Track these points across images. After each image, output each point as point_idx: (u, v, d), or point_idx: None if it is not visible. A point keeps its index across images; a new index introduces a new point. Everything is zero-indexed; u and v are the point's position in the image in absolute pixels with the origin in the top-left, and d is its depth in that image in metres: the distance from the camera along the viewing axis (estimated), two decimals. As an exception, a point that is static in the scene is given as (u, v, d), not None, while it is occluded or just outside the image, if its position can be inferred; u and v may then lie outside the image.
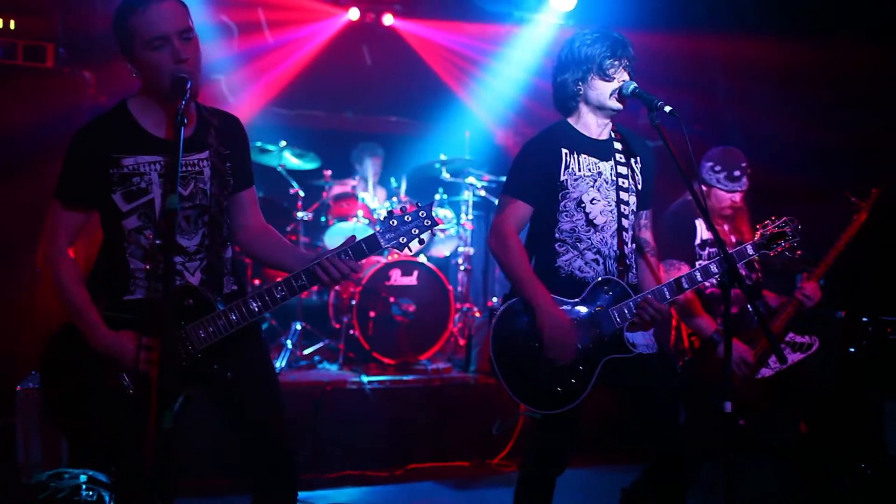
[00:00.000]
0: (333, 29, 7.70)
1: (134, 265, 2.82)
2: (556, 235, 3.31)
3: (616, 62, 3.27)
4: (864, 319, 5.27)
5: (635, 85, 3.27)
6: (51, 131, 5.96)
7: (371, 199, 7.12)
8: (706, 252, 4.17)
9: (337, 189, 7.23)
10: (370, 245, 2.88)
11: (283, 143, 6.88)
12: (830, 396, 4.38)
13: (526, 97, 8.00)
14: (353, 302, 6.35)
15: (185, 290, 2.78)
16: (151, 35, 2.64)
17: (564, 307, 3.21)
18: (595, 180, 3.32)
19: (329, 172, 7.21)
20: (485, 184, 7.59)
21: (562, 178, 3.29)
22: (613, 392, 3.37)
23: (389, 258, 6.61)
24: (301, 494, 4.91)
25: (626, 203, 3.34)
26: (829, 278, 5.36)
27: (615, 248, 3.32)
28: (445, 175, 7.33)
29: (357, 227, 6.81)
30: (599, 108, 3.34)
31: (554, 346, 3.12)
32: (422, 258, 6.76)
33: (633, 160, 3.43)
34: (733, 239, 4.27)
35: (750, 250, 3.46)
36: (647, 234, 3.50)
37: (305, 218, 6.84)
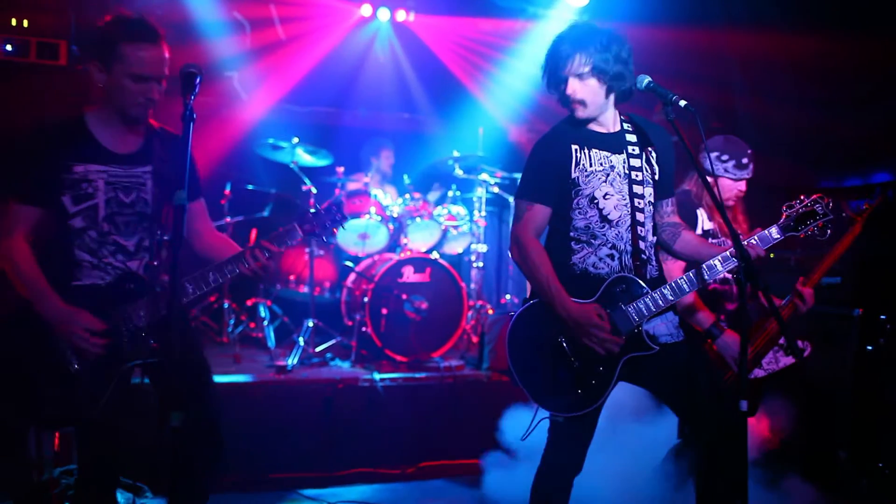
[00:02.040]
0: (346, 25, 7.68)
1: (80, 256, 3.10)
2: (571, 234, 3.26)
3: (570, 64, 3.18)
4: (882, 317, 5.21)
5: (650, 79, 3.22)
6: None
7: (384, 195, 7.10)
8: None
9: (349, 186, 7.21)
10: (289, 234, 3.20)
11: (296, 139, 6.86)
12: (840, 396, 4.35)
13: (539, 93, 7.94)
14: (366, 299, 6.33)
15: (127, 275, 3.14)
16: (138, 71, 3.01)
17: (588, 304, 3.17)
18: (608, 174, 3.26)
19: (341, 169, 7.18)
20: (498, 180, 7.55)
21: (573, 175, 3.24)
22: (649, 389, 3.34)
23: (402, 255, 6.59)
24: (312, 492, 4.95)
25: (641, 196, 3.27)
26: (846, 276, 5.33)
27: (630, 242, 3.25)
28: (458, 172, 7.30)
29: (370, 223, 6.79)
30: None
31: (587, 331, 3.09)
32: (434, 255, 6.73)
33: (646, 150, 3.34)
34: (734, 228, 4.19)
35: (776, 233, 3.32)
36: (676, 217, 3.44)
37: (318, 215, 6.82)
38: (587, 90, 3.18)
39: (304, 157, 7.10)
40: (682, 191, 4.20)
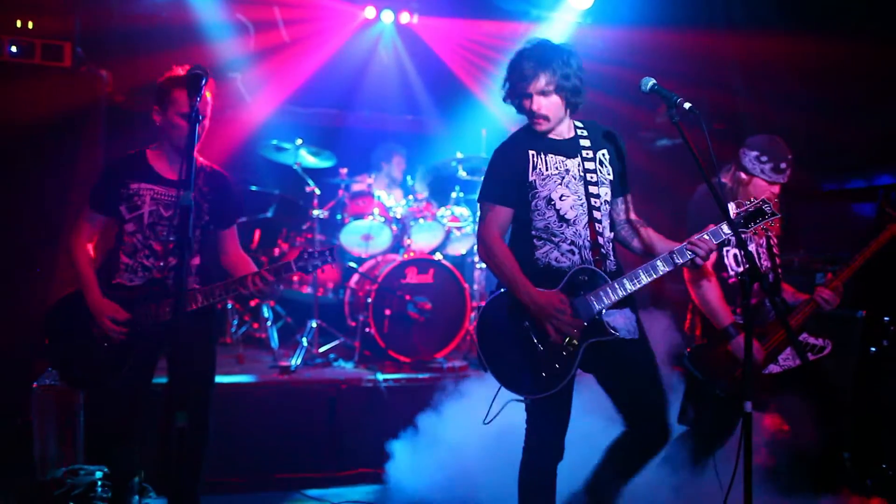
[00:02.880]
0: (350, 27, 7.70)
1: (122, 260, 3.89)
2: (532, 232, 3.49)
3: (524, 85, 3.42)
4: (885, 319, 5.21)
5: (654, 82, 3.24)
6: (68, 130, 6.01)
7: (387, 197, 7.11)
8: (735, 240, 4.08)
9: (353, 187, 7.22)
10: (284, 268, 3.84)
11: (299, 140, 6.88)
12: (847, 397, 4.34)
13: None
14: (369, 300, 6.34)
15: (153, 280, 3.88)
16: (185, 111, 3.60)
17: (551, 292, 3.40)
18: (563, 178, 3.49)
19: (345, 170, 7.20)
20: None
21: (531, 178, 3.48)
22: (597, 378, 3.56)
23: (405, 256, 6.60)
24: (316, 492, 4.96)
25: (597, 196, 3.50)
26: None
27: (589, 238, 3.48)
28: (462, 173, 7.31)
29: (373, 224, 6.80)
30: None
31: (547, 315, 3.32)
32: (438, 256, 6.74)
33: (600, 153, 3.57)
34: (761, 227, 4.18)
35: (726, 229, 3.44)
36: (633, 215, 3.66)
37: (321, 216, 6.83)
38: (552, 106, 3.43)
39: (308, 159, 7.12)
40: (717, 182, 4.18)
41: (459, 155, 7.30)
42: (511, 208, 3.50)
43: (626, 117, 7.50)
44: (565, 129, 3.55)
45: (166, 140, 3.87)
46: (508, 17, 7.78)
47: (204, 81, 2.78)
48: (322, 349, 6.45)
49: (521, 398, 3.40)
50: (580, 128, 3.59)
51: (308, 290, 6.87)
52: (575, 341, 3.33)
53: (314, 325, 6.43)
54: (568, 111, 3.50)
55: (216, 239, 4.10)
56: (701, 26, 6.76)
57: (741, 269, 4.01)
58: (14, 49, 5.87)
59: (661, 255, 3.43)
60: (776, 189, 4.13)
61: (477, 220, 3.60)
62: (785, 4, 6.38)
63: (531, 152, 3.49)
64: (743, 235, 3.97)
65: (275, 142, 6.82)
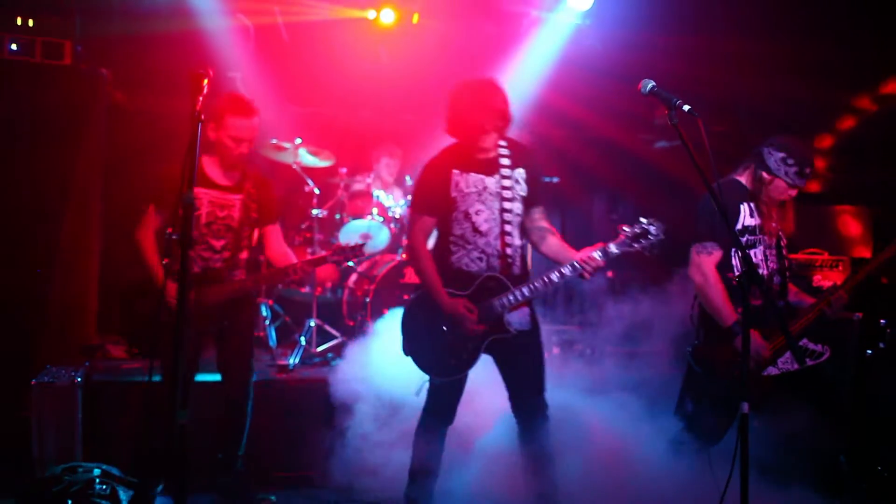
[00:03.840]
0: (349, 27, 7.69)
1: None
2: (451, 239, 4.06)
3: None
4: (882, 322, 5.23)
5: (653, 84, 3.25)
6: (68, 127, 6.02)
7: (386, 196, 7.12)
8: (745, 239, 4.09)
9: (352, 186, 7.23)
10: (321, 260, 4.58)
11: (299, 140, 6.88)
12: (844, 400, 4.36)
13: (541, 96, 7.98)
14: (367, 299, 6.34)
15: (208, 269, 4.41)
16: (236, 135, 4.35)
17: (459, 298, 4.00)
18: (480, 195, 4.03)
19: (344, 170, 7.20)
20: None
21: (452, 194, 4.02)
22: (494, 360, 4.11)
23: (403, 256, 6.60)
24: (314, 491, 4.95)
25: (510, 210, 4.04)
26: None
27: (499, 248, 4.03)
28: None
29: (372, 224, 6.81)
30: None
31: (457, 321, 3.96)
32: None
33: (517, 171, 4.08)
34: (774, 226, 4.19)
35: (615, 249, 3.92)
36: (545, 223, 4.19)
37: (320, 215, 6.84)
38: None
39: (307, 158, 7.12)
40: (731, 180, 4.20)
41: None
42: (434, 218, 4.08)
43: (625, 118, 7.54)
44: (490, 148, 4.04)
45: (217, 154, 4.44)
46: (508, 17, 7.78)
47: (206, 82, 2.80)
48: (320, 348, 6.45)
49: (431, 378, 4.10)
50: (503, 146, 4.09)
51: (306, 289, 6.88)
52: (478, 338, 3.97)
53: (312, 324, 6.43)
54: (494, 133, 4.02)
55: (262, 235, 4.68)
56: (699, 28, 6.77)
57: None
58: (14, 47, 5.88)
59: (555, 269, 3.96)
60: (794, 192, 4.16)
61: (408, 226, 4.30)
62: (785, 5, 6.40)
63: (454, 171, 4.03)
64: (752, 238, 4.04)
65: (274, 141, 6.83)
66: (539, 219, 4.17)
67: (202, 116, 2.58)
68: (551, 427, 4.08)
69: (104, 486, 4.53)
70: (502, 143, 4.08)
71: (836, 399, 4.31)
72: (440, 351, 4.01)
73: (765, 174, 4.14)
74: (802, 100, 6.39)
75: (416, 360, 4.07)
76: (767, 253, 4.15)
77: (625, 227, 3.95)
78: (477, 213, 4.02)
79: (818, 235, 5.89)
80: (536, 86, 7.91)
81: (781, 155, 4.10)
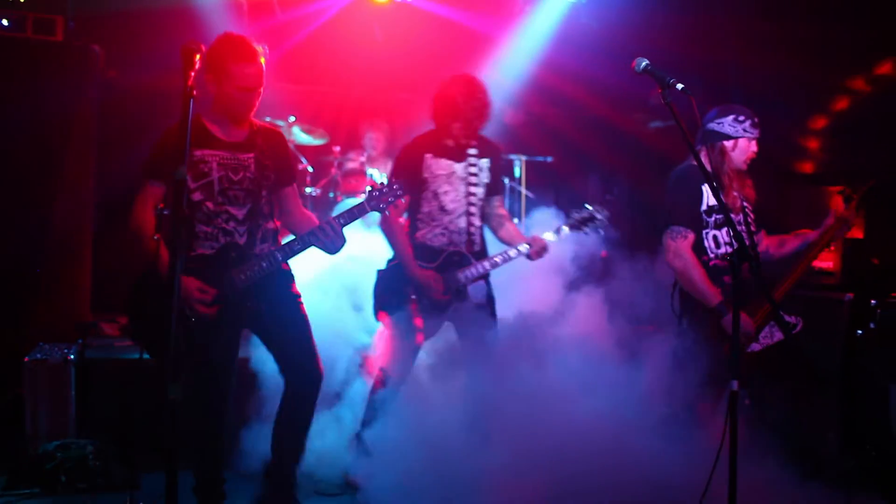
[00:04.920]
0: (343, 4, 7.64)
1: (199, 229, 3.75)
2: (419, 216, 4.50)
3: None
4: (873, 302, 5.25)
5: (647, 62, 3.25)
6: (60, 104, 5.98)
7: (379, 175, 7.11)
8: (713, 218, 4.17)
9: (346, 165, 7.21)
10: (359, 209, 3.81)
11: (292, 118, 6.86)
12: (833, 378, 4.39)
13: (536, 75, 7.96)
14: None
15: (230, 245, 3.77)
16: (243, 84, 3.73)
17: (427, 269, 4.45)
18: (449, 178, 4.50)
19: (338, 148, 7.19)
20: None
21: (424, 175, 4.46)
22: (453, 324, 4.53)
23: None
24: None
25: (474, 195, 4.53)
26: (837, 261, 5.37)
27: (462, 226, 4.51)
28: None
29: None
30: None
31: (426, 289, 4.41)
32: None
33: (482, 160, 4.58)
34: (741, 204, 4.27)
35: (565, 230, 4.58)
36: (502, 210, 4.77)
37: (314, 193, 6.84)
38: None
39: (301, 136, 7.10)
40: (687, 166, 4.25)
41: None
42: (407, 195, 4.30)
43: (620, 97, 7.52)
44: (462, 138, 4.49)
45: (221, 109, 3.82)
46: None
47: (198, 57, 2.76)
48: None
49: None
50: (473, 139, 4.54)
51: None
52: (443, 306, 4.45)
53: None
54: (469, 127, 4.48)
55: (276, 200, 4.01)
56: (695, 7, 6.75)
57: (721, 250, 4.19)
58: (5, 23, 5.83)
59: (511, 247, 4.50)
60: (754, 146, 4.29)
61: None
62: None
63: (427, 155, 4.48)
64: (719, 217, 4.10)
65: (267, 118, 6.80)
66: (498, 206, 4.74)
67: (194, 92, 2.56)
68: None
69: (97, 463, 4.56)
70: (473, 136, 4.54)
71: (817, 370, 4.37)
72: (409, 317, 4.41)
73: (725, 143, 4.25)
74: (796, 80, 6.38)
75: (387, 325, 4.49)
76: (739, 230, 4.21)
77: (573, 213, 4.60)
78: (445, 193, 4.48)
79: (811, 216, 5.90)
80: (531, 64, 7.88)
81: (730, 118, 4.25)
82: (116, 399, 4.94)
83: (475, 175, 4.54)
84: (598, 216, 4.58)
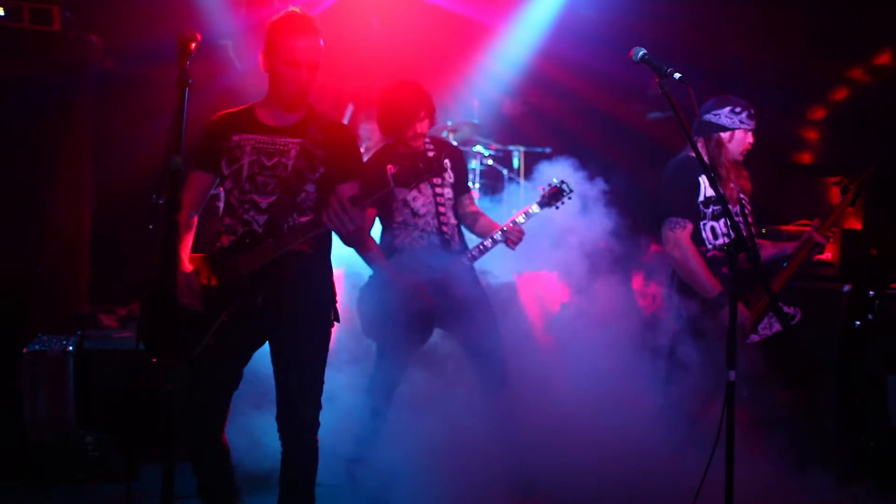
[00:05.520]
0: (342, -5, 7.61)
1: (225, 222, 3.43)
2: (394, 226, 4.49)
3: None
4: (871, 293, 5.25)
5: (645, 52, 3.23)
6: (57, 95, 5.97)
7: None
8: (710, 210, 4.18)
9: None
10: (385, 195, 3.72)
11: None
12: (832, 369, 4.39)
13: (534, 67, 7.94)
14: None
15: (247, 233, 3.34)
16: (291, 58, 3.35)
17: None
18: None
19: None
20: (492, 152, 7.54)
21: (392, 185, 3.91)
22: (451, 327, 4.51)
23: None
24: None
25: (441, 195, 4.53)
26: (836, 252, 5.37)
27: (436, 226, 4.50)
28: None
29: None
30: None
31: (414, 293, 4.31)
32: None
33: (444, 161, 4.55)
34: (738, 196, 4.27)
35: (535, 208, 4.52)
36: (474, 207, 4.78)
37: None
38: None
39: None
40: (684, 157, 4.25)
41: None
42: (375, 210, 4.43)
43: (618, 88, 7.50)
44: (418, 143, 4.51)
45: (273, 91, 3.46)
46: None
47: (194, 46, 2.72)
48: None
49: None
50: (428, 142, 4.58)
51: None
52: (431, 307, 4.37)
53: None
54: (420, 130, 4.47)
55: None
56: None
57: (719, 241, 4.19)
58: (1, 12, 5.81)
59: (487, 237, 4.47)
60: (750, 137, 4.29)
61: None
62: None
63: (388, 166, 4.21)
64: (717, 208, 4.11)
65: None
66: (469, 204, 4.74)
67: (189, 81, 2.54)
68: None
69: (96, 454, 4.57)
70: (427, 140, 4.57)
71: (814, 360, 4.38)
72: (392, 318, 4.29)
73: (722, 135, 4.26)
74: (795, 70, 6.37)
75: (372, 336, 4.46)
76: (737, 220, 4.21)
77: (540, 189, 4.57)
78: (414, 199, 4.47)
79: (809, 207, 5.90)
80: (529, 54, 7.87)
81: (727, 109, 4.26)
82: (115, 390, 4.94)
83: (439, 176, 4.54)
84: (565, 189, 4.56)
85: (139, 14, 6.48)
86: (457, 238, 4.62)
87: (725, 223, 4.15)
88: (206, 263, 3.36)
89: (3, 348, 5.19)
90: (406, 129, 4.46)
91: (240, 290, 3.30)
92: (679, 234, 4.12)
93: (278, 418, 3.39)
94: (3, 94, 5.72)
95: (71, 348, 4.85)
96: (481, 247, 4.51)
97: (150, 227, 2.93)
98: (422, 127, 4.48)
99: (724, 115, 4.23)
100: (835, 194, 4.75)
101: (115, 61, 6.78)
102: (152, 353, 3.21)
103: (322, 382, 3.44)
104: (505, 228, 4.46)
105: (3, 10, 5.77)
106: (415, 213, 4.48)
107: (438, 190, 4.55)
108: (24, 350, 4.80)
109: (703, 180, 4.16)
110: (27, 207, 5.80)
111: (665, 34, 6.46)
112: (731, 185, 4.23)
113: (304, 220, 3.37)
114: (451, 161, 4.64)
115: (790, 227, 5.49)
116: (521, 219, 4.50)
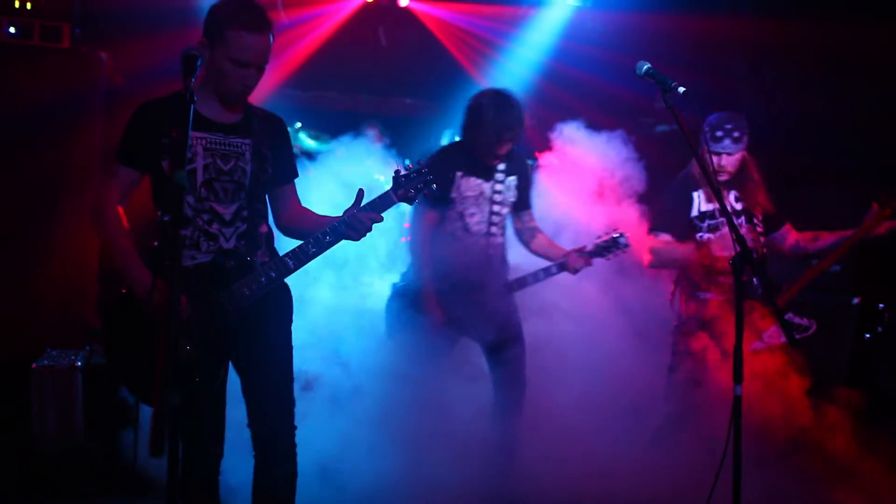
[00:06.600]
0: (349, 9, 7.65)
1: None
2: (444, 235, 4.30)
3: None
4: (881, 306, 5.23)
5: (649, 66, 3.24)
6: (67, 111, 6.00)
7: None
8: (706, 223, 4.19)
9: (351, 170, 7.19)
10: (384, 201, 3.15)
11: (299, 124, 6.87)
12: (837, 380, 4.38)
13: (541, 80, 7.95)
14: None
15: (225, 252, 3.07)
16: (240, 57, 3.02)
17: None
18: (477, 199, 4.34)
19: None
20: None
21: (452, 195, 4.29)
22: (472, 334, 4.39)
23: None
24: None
25: (498, 214, 4.38)
26: (846, 265, 5.34)
27: (482, 245, 4.33)
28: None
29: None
30: None
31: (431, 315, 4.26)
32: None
33: (510, 178, 4.40)
34: (739, 207, 4.26)
35: (588, 254, 4.27)
36: (533, 223, 4.56)
37: (320, 199, 6.82)
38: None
39: (307, 142, 7.11)
40: (683, 173, 4.27)
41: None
42: (437, 211, 4.29)
43: (624, 102, 7.50)
44: (496, 158, 4.32)
45: (212, 83, 3.11)
46: (507, 0, 7.75)
47: (200, 63, 2.69)
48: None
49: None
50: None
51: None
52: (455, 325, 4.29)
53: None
54: (504, 147, 4.28)
55: (275, 198, 3.34)
56: (700, 10, 6.74)
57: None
58: (12, 30, 5.86)
59: (545, 266, 4.34)
60: (723, 161, 4.24)
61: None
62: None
63: (458, 173, 4.26)
64: (713, 221, 4.13)
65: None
66: (528, 220, 4.56)
67: (195, 97, 2.54)
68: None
69: (103, 468, 4.58)
70: (503, 152, 4.32)
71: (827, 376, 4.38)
72: (424, 335, 4.26)
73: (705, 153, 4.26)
74: (812, 80, 6.36)
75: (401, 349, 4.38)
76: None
77: (596, 239, 4.30)
78: (471, 215, 4.34)
79: (829, 217, 5.89)
80: (535, 68, 7.89)
81: (706, 128, 4.22)
82: (123, 405, 4.94)
83: (500, 194, 4.38)
84: (622, 242, 4.29)
85: (148, 31, 6.52)
86: (497, 261, 4.44)
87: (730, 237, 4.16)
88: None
89: (11, 363, 5.20)
90: (483, 139, 4.28)
91: (213, 313, 3.02)
92: (658, 244, 4.24)
93: (250, 425, 3.19)
94: (13, 111, 5.76)
95: (79, 363, 4.86)
96: (538, 275, 4.36)
97: (155, 243, 2.88)
98: (502, 142, 4.27)
99: (703, 135, 4.23)
100: (843, 205, 4.72)
101: (124, 77, 6.82)
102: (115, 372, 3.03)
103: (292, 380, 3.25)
104: (567, 257, 4.27)
105: (14, 27, 5.82)
106: (466, 230, 4.33)
107: (496, 208, 4.39)
108: (33, 365, 4.82)
109: (698, 195, 4.20)
110: (36, 222, 5.82)
111: (670, 48, 6.47)
112: (731, 197, 4.24)
113: (262, 228, 3.20)
114: (517, 178, 4.45)
115: (825, 232, 5.46)
116: (577, 255, 4.31)
